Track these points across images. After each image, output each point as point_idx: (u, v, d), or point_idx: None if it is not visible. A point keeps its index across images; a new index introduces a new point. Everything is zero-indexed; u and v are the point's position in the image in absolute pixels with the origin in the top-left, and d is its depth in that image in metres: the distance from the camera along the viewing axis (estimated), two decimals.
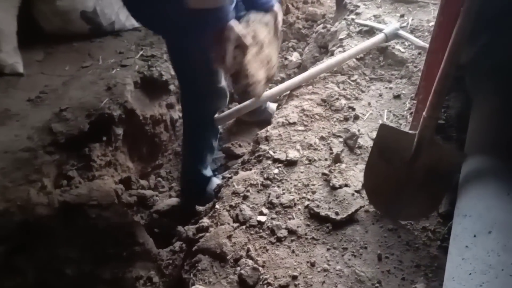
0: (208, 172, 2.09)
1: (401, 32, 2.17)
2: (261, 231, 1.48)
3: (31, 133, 1.88)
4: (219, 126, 1.96)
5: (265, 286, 1.31)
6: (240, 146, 2.45)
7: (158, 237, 1.93)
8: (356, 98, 1.98)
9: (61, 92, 2.08)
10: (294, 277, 1.32)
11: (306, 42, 3.01)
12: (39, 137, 1.87)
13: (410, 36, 2.15)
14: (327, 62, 2.05)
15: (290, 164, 1.69)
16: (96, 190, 1.82)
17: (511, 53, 1.48)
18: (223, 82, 1.83)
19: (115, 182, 2.05)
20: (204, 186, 2.06)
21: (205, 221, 1.55)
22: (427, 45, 2.03)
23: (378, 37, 2.16)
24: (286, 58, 2.87)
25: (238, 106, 1.93)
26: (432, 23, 2.35)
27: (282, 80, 2.75)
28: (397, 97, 1.98)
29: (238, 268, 1.36)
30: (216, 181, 2.10)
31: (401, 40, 2.24)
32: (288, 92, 2.09)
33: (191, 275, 1.38)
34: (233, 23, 1.39)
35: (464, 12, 1.18)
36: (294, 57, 2.84)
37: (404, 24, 2.36)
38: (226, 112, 1.91)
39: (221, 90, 1.84)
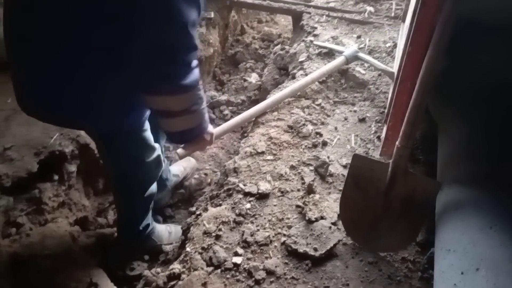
0: (144, 223, 1.86)
1: (361, 54, 2.19)
2: (237, 274, 1.39)
3: None
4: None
5: None
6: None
7: (121, 279, 1.78)
8: (322, 123, 1.95)
9: (3, 128, 1.88)
10: None
11: (263, 62, 2.98)
12: None
13: (370, 58, 2.17)
14: (291, 87, 2.01)
15: (262, 197, 1.62)
16: (50, 236, 1.64)
17: (474, 78, 1.52)
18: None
19: (70, 224, 1.87)
20: (140, 235, 1.88)
21: (176, 267, 1.44)
22: (387, 67, 2.07)
23: (339, 60, 2.16)
24: (245, 80, 2.81)
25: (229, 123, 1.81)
26: (389, 44, 2.40)
27: (243, 103, 2.69)
28: (362, 120, 1.98)
29: None
30: (162, 229, 1.97)
31: (360, 62, 2.25)
32: (253, 119, 2.03)
33: None
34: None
35: (434, 43, 1.17)
36: (253, 78, 2.79)
37: (362, 45, 2.39)
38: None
39: (158, 154, 1.68)
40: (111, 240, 1.96)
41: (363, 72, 2.22)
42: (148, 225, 1.86)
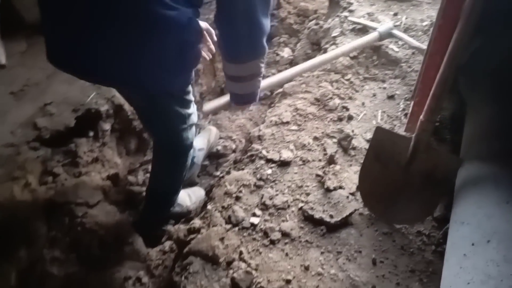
0: (179, 191, 1.94)
1: (395, 31, 2.15)
2: (254, 233, 1.45)
3: (14, 128, 1.80)
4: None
5: None
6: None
7: (147, 235, 1.88)
8: (350, 98, 1.95)
9: (45, 86, 2.00)
10: (288, 281, 1.30)
11: (297, 37, 2.96)
12: (23, 132, 1.79)
13: (404, 36, 2.13)
14: (320, 57, 2.01)
15: (284, 164, 1.66)
16: (83, 187, 1.75)
17: (506, 58, 1.48)
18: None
19: (102, 178, 1.98)
20: (169, 207, 1.94)
21: (197, 222, 1.52)
22: (421, 45, 2.03)
23: (372, 35, 2.13)
24: (277, 54, 2.82)
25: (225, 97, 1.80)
26: (426, 23, 2.34)
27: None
28: (391, 97, 1.97)
29: (231, 271, 1.33)
30: (181, 193, 2.01)
31: (394, 39, 2.22)
32: (280, 90, 2.06)
33: (182, 278, 1.35)
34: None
35: (465, 16, 1.16)
36: (286, 53, 2.80)
37: (398, 23, 2.34)
38: (215, 101, 1.78)
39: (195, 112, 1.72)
40: (139, 198, 2.06)
41: (397, 49, 2.19)
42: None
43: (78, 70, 1.37)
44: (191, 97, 1.62)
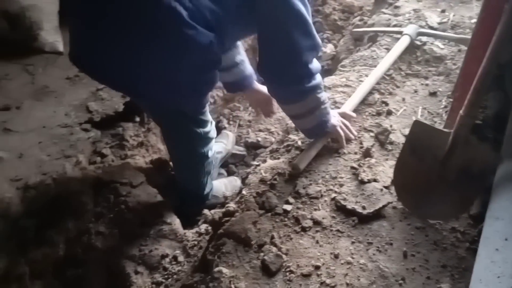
0: (207, 189, 1.99)
1: (423, 29, 2.16)
2: (286, 219, 1.49)
3: (68, 110, 1.95)
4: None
5: (287, 273, 1.33)
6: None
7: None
8: (390, 93, 1.94)
9: None
10: (317, 267, 1.33)
11: (341, 34, 2.97)
12: (76, 114, 1.93)
13: (435, 32, 2.13)
14: (362, 86, 1.91)
15: (318, 155, 1.68)
16: (128, 169, 1.87)
17: None
18: (210, 127, 1.75)
19: (145, 162, 2.09)
20: (204, 201, 2.01)
21: (232, 206, 1.58)
22: (456, 35, 2.00)
23: (404, 40, 2.10)
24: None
25: (313, 144, 1.70)
26: (474, 20, 2.27)
27: None
28: (433, 94, 1.93)
29: (262, 254, 1.38)
30: (217, 184, 2.09)
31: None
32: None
33: (215, 257, 1.41)
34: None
35: (509, 9, 1.13)
36: (329, 48, 2.81)
37: (445, 20, 2.29)
38: (303, 154, 1.68)
39: (211, 131, 1.79)
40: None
41: (442, 46, 2.15)
42: (211, 188, 2.02)
43: (99, 75, 1.44)
44: (207, 116, 1.69)
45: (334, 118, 1.65)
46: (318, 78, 1.48)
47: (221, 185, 2.13)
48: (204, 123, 1.67)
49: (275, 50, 1.38)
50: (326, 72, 2.64)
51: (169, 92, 1.41)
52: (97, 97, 2.00)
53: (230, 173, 2.36)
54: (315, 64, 1.46)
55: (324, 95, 1.54)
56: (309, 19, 1.33)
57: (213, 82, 1.47)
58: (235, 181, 2.17)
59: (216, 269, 1.34)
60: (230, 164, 2.39)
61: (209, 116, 1.71)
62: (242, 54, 1.84)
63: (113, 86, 1.53)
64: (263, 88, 1.95)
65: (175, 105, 1.50)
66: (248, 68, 1.88)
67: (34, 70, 2.16)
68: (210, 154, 1.82)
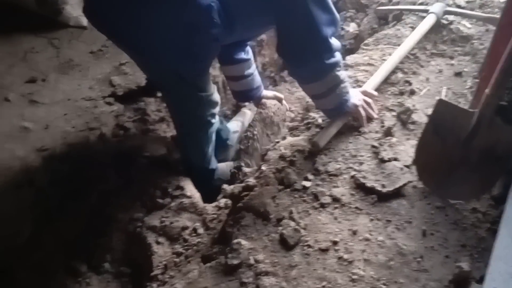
0: (212, 164, 1.99)
1: (450, 8, 2.08)
2: (305, 195, 1.50)
3: (92, 84, 1.98)
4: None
5: (305, 247, 1.35)
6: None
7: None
8: (414, 73, 1.91)
9: None
10: (335, 242, 1.34)
11: (365, 13, 2.90)
12: (100, 88, 1.97)
13: (463, 10, 2.06)
14: (384, 67, 1.88)
15: (339, 133, 1.68)
16: (150, 142, 1.90)
17: None
18: (212, 90, 1.72)
19: (166, 138, 2.12)
20: (210, 179, 2.00)
21: (251, 181, 1.60)
22: (482, 14, 1.94)
23: (430, 19, 2.04)
24: (342, 28, 2.79)
25: (334, 122, 1.68)
26: None
27: None
28: (458, 74, 1.89)
29: (280, 228, 1.40)
30: (223, 166, 2.08)
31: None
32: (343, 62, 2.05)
33: (235, 229, 1.44)
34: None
35: None
36: (351, 27, 2.76)
37: None
38: (323, 132, 1.67)
39: (213, 95, 1.73)
40: None
41: (469, 26, 2.09)
42: (215, 169, 2.02)
43: (107, 27, 1.46)
44: (207, 81, 1.65)
45: (355, 97, 1.64)
46: (337, 56, 1.47)
47: (226, 169, 2.11)
48: (203, 87, 1.64)
49: (293, 27, 1.37)
50: (349, 51, 2.60)
51: (165, 50, 1.42)
52: (120, 72, 2.02)
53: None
54: (335, 41, 1.44)
55: (343, 74, 1.54)
56: None
57: (209, 50, 1.47)
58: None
59: (235, 241, 1.37)
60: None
61: (209, 81, 1.68)
62: (252, 68, 1.91)
63: (118, 40, 1.53)
64: (270, 92, 2.08)
65: (171, 65, 1.49)
66: (257, 81, 1.95)
67: (59, 44, 2.20)
68: (213, 120, 1.78)
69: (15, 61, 2.07)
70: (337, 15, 1.39)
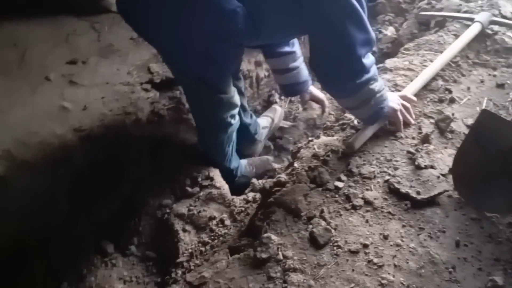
0: (234, 163, 1.99)
1: (496, 18, 2.03)
2: (336, 196, 1.49)
3: (131, 69, 2.01)
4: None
5: (335, 248, 1.34)
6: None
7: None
8: (455, 81, 1.87)
9: None
10: (365, 245, 1.33)
11: (404, 17, 2.86)
12: (138, 74, 1.99)
13: (507, 21, 2.00)
14: (426, 71, 1.86)
15: (374, 136, 1.66)
16: (183, 131, 1.92)
17: None
18: (233, 93, 1.70)
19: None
20: (233, 177, 2.00)
21: (283, 177, 1.59)
22: None
23: (475, 28, 2.00)
24: (380, 31, 2.76)
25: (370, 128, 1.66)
26: None
27: (373, 54, 2.65)
28: (500, 86, 1.85)
29: (310, 226, 1.40)
30: (245, 164, 2.08)
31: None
32: (381, 65, 2.03)
33: (264, 224, 1.44)
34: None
35: None
36: (389, 31, 2.73)
37: None
38: (359, 134, 1.65)
39: (233, 97, 1.71)
40: None
41: None
42: (237, 167, 2.02)
43: (136, 24, 1.47)
44: (227, 84, 1.63)
45: (394, 101, 1.61)
46: (371, 71, 1.42)
47: (251, 167, 2.13)
48: (223, 89, 1.62)
49: (327, 46, 1.33)
50: (386, 55, 2.58)
51: (186, 54, 1.41)
52: (158, 60, 2.04)
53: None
54: (369, 59, 1.40)
55: (378, 85, 1.47)
56: (363, 12, 1.26)
57: (230, 55, 1.46)
58: (267, 161, 2.17)
59: (265, 235, 1.37)
60: (277, 138, 2.40)
61: (230, 83, 1.65)
62: (299, 61, 1.84)
63: (145, 37, 1.55)
64: (318, 93, 2.02)
65: (191, 68, 1.48)
66: (304, 74, 1.89)
67: (100, 28, 2.24)
68: (233, 121, 1.76)
69: (58, 42, 2.12)
70: (373, 34, 1.34)
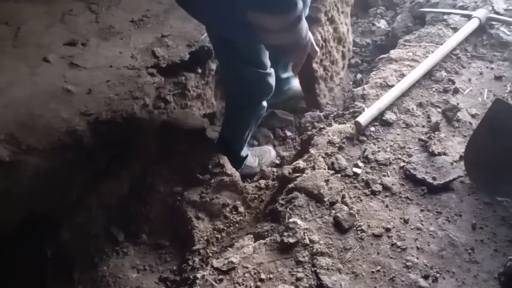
0: (244, 151, 1.99)
1: (493, 15, 2.13)
2: (356, 182, 1.52)
3: (135, 53, 1.94)
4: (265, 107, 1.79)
5: (359, 232, 1.37)
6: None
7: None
8: (456, 72, 1.95)
9: (162, 18, 2.13)
10: (388, 229, 1.37)
11: (395, 11, 2.93)
12: (142, 58, 1.93)
13: (506, 18, 2.10)
14: (425, 63, 1.92)
15: (386, 124, 1.70)
16: (190, 117, 1.88)
17: None
18: (270, 70, 1.65)
19: (200, 115, 2.11)
20: (238, 164, 1.99)
21: (301, 163, 1.60)
22: None
23: (473, 23, 2.09)
24: (373, 24, 2.82)
25: (377, 104, 1.70)
26: None
27: (367, 45, 2.71)
28: (498, 78, 1.94)
29: (333, 211, 1.42)
30: (250, 155, 2.07)
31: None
32: (386, 55, 2.07)
33: (287, 209, 1.45)
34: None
35: None
36: (382, 24, 2.79)
37: None
38: (367, 111, 1.68)
39: (268, 77, 1.66)
40: None
41: (508, 33, 2.14)
42: (245, 157, 2.01)
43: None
44: (263, 57, 1.57)
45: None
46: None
47: (255, 158, 2.11)
48: (256, 61, 1.55)
49: None
50: (379, 47, 2.64)
51: (213, 15, 1.36)
52: (163, 44, 1.99)
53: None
54: None
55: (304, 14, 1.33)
56: None
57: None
58: (270, 152, 2.16)
59: (291, 220, 1.38)
60: (277, 128, 2.40)
61: (264, 57, 1.57)
62: None
63: (184, 4, 1.46)
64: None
65: (219, 31, 1.44)
66: None
67: (97, 9, 2.14)
68: (259, 106, 1.73)
69: (53, 21, 2.01)
70: None
